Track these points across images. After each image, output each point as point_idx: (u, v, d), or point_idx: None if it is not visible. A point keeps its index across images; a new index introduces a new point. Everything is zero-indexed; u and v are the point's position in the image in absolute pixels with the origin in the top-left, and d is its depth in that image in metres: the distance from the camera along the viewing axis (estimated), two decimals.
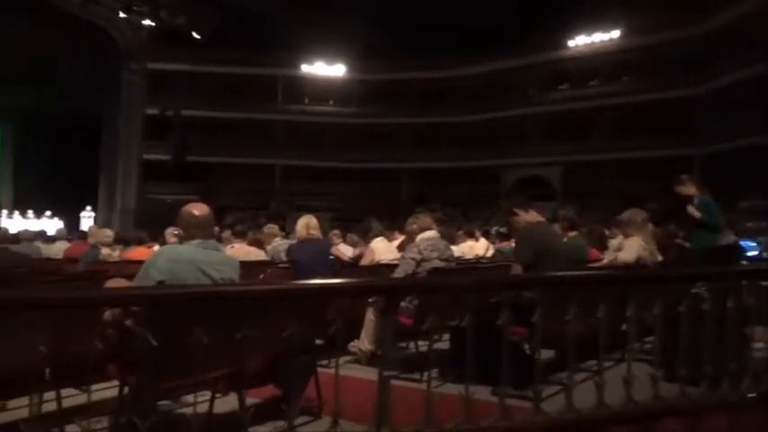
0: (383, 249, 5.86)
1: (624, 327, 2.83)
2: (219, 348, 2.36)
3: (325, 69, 29.59)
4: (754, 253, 5.39)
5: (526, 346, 3.57)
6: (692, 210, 5.65)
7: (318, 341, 3.17)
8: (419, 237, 4.82)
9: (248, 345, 2.19)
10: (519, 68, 26.96)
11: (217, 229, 5.65)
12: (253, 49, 26.89)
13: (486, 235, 8.69)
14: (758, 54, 19.51)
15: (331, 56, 28.84)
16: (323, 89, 29.91)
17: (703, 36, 22.27)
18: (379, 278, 4.35)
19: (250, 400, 3.03)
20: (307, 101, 30.29)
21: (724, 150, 20.99)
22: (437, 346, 4.92)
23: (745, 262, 5.00)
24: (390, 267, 5.26)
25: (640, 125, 23.89)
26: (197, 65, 27.03)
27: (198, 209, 2.93)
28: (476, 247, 8.12)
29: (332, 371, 2.11)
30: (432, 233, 4.86)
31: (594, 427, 2.23)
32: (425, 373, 2.72)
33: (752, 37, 20.06)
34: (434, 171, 29.01)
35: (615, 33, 24.70)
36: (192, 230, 2.86)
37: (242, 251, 5.84)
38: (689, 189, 5.81)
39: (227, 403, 2.94)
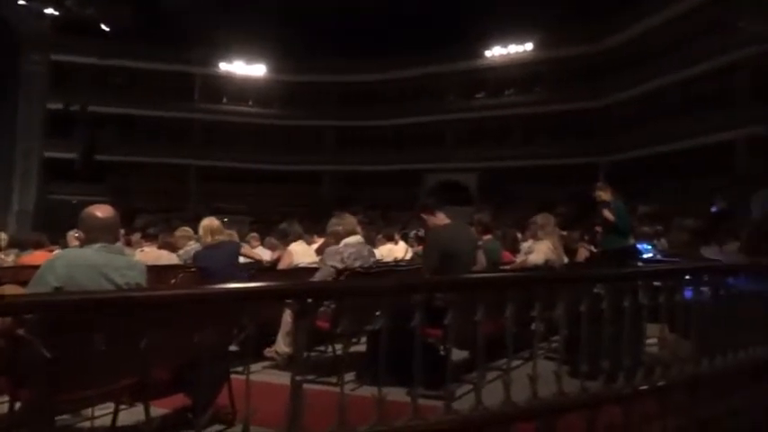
0: (302, 252, 5.79)
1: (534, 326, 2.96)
2: (124, 357, 2.25)
3: (245, 69, 28.96)
4: (650, 255, 5.84)
5: (441, 348, 3.65)
6: (607, 213, 6.02)
7: (233, 347, 3.09)
8: (343, 242, 4.75)
9: (155, 353, 2.10)
10: (439, 75, 27.67)
11: (123, 231, 5.37)
12: (169, 44, 25.89)
13: (405, 238, 8.83)
14: (650, 71, 21.16)
15: (251, 55, 28.28)
16: (242, 89, 29.27)
17: (605, 52, 23.91)
18: (292, 282, 4.29)
19: (157, 411, 2.90)
20: (225, 100, 29.52)
21: (625, 159, 22.55)
22: (356, 349, 4.94)
23: (640, 263, 5.40)
24: (309, 271, 5.20)
25: (551, 134, 25.22)
26: (107, 58, 25.52)
27: (101, 210, 2.78)
28: (395, 251, 8.23)
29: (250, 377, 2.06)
30: (356, 238, 4.81)
31: (502, 424, 2.31)
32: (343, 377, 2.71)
33: (644, 55, 21.75)
34: (356, 174, 29.15)
35: (528, 46, 25.90)
36: (95, 233, 2.71)
37: (152, 255, 5.59)
38: (606, 195, 6.19)
39: (133, 414, 2.80)
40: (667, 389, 2.85)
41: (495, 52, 26.63)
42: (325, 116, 29.15)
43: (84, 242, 2.76)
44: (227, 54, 28.19)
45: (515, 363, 3.28)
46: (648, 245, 6.06)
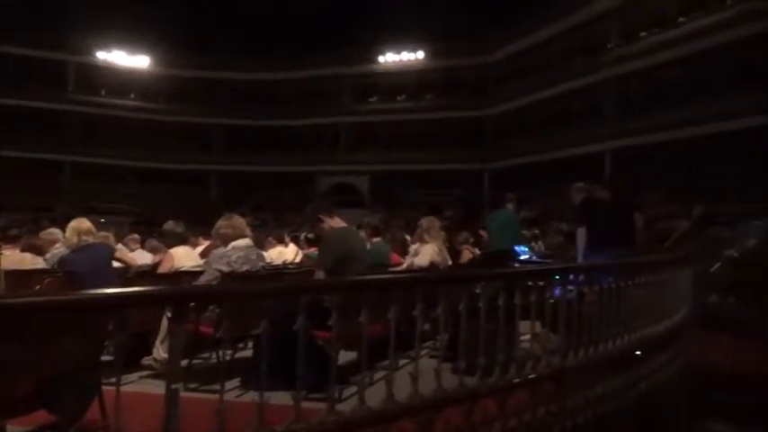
0: (185, 256, 5.54)
1: (425, 326, 3.07)
2: None
3: (126, 59, 27.15)
4: (526, 257, 6.24)
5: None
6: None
7: (107, 357, 2.90)
8: (231, 245, 4.61)
9: (13, 365, 1.92)
10: (333, 78, 27.72)
11: None
12: (38, 29, 23.69)
13: (296, 240, 8.75)
14: (531, 85, 22.70)
15: (133, 45, 26.56)
16: (124, 81, 27.43)
17: (492, 65, 25.32)
18: (167, 286, 4.10)
19: (15, 430, 2.65)
20: (104, 92, 27.50)
21: (508, 166, 23.97)
22: (242, 354, 4.81)
23: (517, 264, 5.76)
24: (193, 275, 4.99)
25: (441, 140, 26.17)
26: None
27: None
28: (285, 253, 8.13)
29: (124, 388, 1.94)
30: (245, 242, 4.68)
31: (384, 422, 2.36)
32: (227, 383, 2.64)
33: (526, 69, 23.31)
34: (247, 174, 28.37)
35: (420, 54, 26.72)
36: None
37: (13, 258, 5.09)
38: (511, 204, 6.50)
39: None
40: (538, 381, 3.07)
41: (389, 58, 27.17)
42: (215, 114, 28.09)
43: None
44: (106, 42, 26.27)
45: (403, 362, 3.37)
46: (526, 247, 6.48)
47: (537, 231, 10.32)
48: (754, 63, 15.57)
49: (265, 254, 6.94)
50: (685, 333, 5.16)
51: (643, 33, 18.99)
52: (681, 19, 17.56)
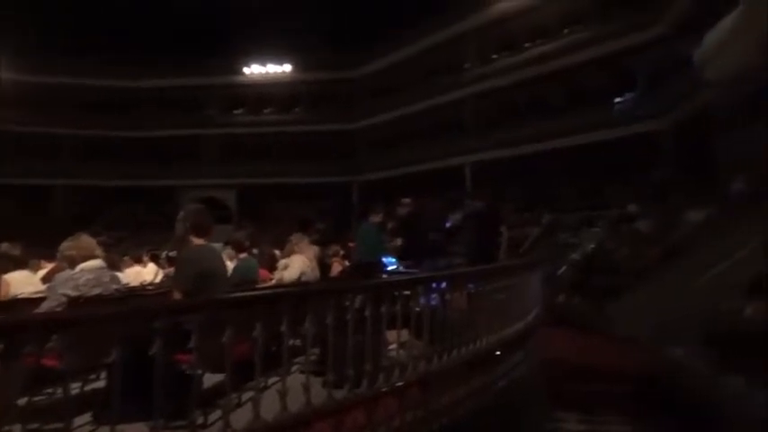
0: (22, 281, 4.95)
1: (294, 342, 3.02)
2: None
3: None
4: (393, 267, 6.42)
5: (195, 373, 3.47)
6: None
7: None
8: (79, 267, 4.21)
9: None
10: (197, 88, 26.58)
11: None
12: None
13: (155, 259, 8.20)
14: (399, 100, 23.55)
15: None
16: None
17: (361, 79, 25.89)
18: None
19: None
20: None
21: (376, 178, 24.56)
22: (96, 385, 4.40)
23: (385, 275, 5.91)
24: (34, 302, 4.48)
25: (310, 153, 26.15)
26: None
27: None
28: (143, 273, 7.58)
29: None
30: (96, 263, 4.29)
31: None
32: (77, 419, 2.41)
33: (395, 85, 24.16)
34: (99, 189, 26.10)
35: (287, 67, 26.57)
36: None
37: None
38: (377, 216, 6.59)
39: None
40: (405, 387, 3.16)
41: (255, 70, 26.69)
42: (64, 123, 25.55)
43: None
44: None
45: (274, 380, 3.29)
46: (393, 258, 6.67)
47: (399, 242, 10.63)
48: (586, 86, 17.54)
49: (121, 275, 6.44)
50: (537, 331, 5.63)
51: (495, 56, 20.58)
52: (526, 44, 19.29)
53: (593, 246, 11.35)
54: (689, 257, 8.32)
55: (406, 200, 6.95)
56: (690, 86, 12.41)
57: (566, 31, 18.20)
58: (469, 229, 6.52)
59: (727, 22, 8.75)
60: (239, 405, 3.25)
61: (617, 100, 17.01)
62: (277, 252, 7.63)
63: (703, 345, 6.00)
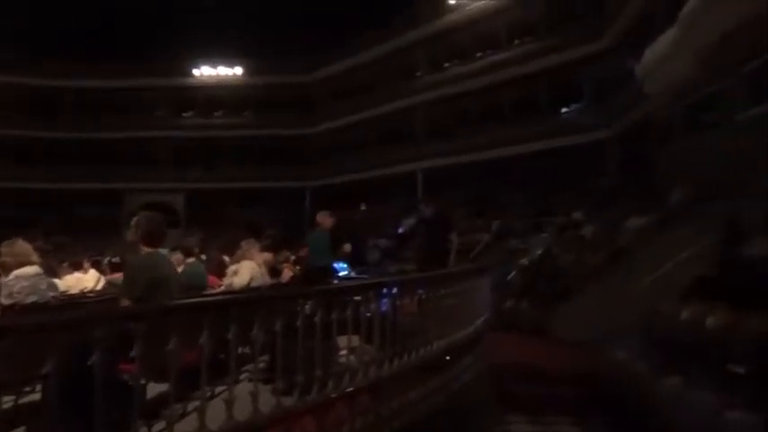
0: None
1: (243, 350, 2.95)
2: None
3: None
4: (345, 273, 6.40)
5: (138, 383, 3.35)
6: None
7: None
8: (13, 273, 4.03)
9: None
10: (144, 89, 25.76)
11: None
12: None
13: (97, 265, 7.88)
14: (353, 106, 23.55)
15: None
16: None
17: (314, 84, 25.74)
18: None
19: None
20: None
21: (329, 184, 24.44)
22: (31, 398, 4.18)
23: (336, 281, 5.89)
24: None
25: (261, 158, 25.78)
26: None
27: None
28: (84, 280, 7.27)
29: None
30: (32, 269, 4.11)
31: None
32: None
33: (348, 90, 24.16)
34: (39, 192, 24.96)
35: (238, 70, 26.13)
36: None
37: None
38: (326, 221, 6.55)
39: None
40: (355, 393, 3.14)
41: (204, 72, 26.13)
42: (2, 124, 24.29)
43: None
44: None
45: (221, 389, 3.21)
46: (344, 263, 6.65)
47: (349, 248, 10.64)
48: (535, 96, 18.03)
49: (60, 282, 6.17)
50: (487, 336, 5.71)
51: (447, 64, 20.88)
52: (478, 54, 19.65)
53: (540, 251, 11.63)
54: (630, 263, 8.64)
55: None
56: (632, 98, 12.92)
57: (516, 42, 18.65)
58: (420, 235, 6.60)
59: (667, 38, 9.18)
60: (184, 415, 3.16)
61: (564, 110, 17.58)
62: (226, 258, 7.48)
63: (644, 347, 6.24)
